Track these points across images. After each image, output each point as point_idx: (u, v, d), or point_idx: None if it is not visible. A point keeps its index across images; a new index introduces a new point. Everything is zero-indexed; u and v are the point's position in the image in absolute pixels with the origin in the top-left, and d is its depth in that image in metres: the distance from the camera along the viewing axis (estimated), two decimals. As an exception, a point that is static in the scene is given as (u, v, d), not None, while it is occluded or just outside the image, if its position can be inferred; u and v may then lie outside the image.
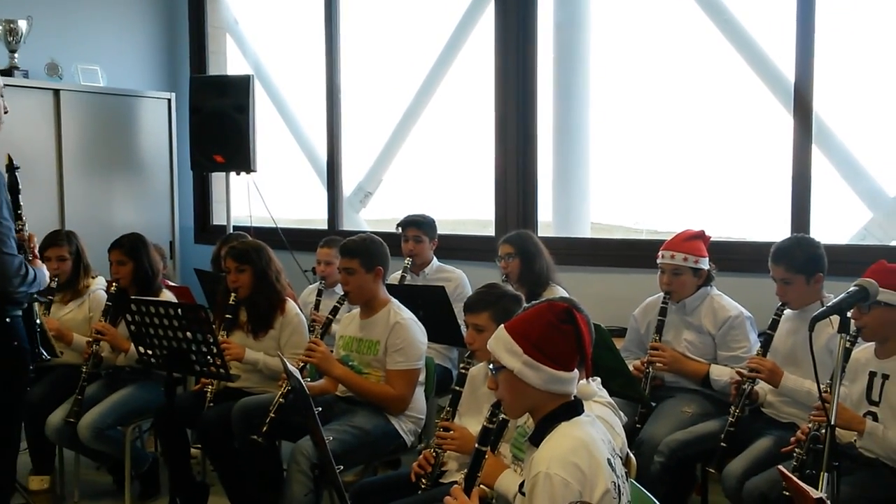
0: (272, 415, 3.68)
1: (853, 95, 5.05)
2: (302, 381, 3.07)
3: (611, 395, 2.90)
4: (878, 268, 3.07)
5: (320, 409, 3.13)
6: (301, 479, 3.42)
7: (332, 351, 3.99)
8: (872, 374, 3.18)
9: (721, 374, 3.79)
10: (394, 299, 3.90)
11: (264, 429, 3.65)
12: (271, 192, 6.79)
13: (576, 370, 2.22)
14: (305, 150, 7.22)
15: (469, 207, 6.68)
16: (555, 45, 5.85)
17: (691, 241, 3.96)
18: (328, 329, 3.96)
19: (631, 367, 3.89)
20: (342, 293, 3.96)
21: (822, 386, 2.79)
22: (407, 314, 3.84)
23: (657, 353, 3.91)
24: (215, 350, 3.55)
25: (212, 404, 4.09)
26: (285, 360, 3.28)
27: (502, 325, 2.27)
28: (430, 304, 4.33)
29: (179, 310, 3.56)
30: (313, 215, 7.19)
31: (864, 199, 5.04)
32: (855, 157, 5.01)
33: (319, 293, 4.99)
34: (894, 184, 4.93)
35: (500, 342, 2.23)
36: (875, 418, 3.14)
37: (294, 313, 4.23)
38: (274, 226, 6.64)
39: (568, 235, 5.80)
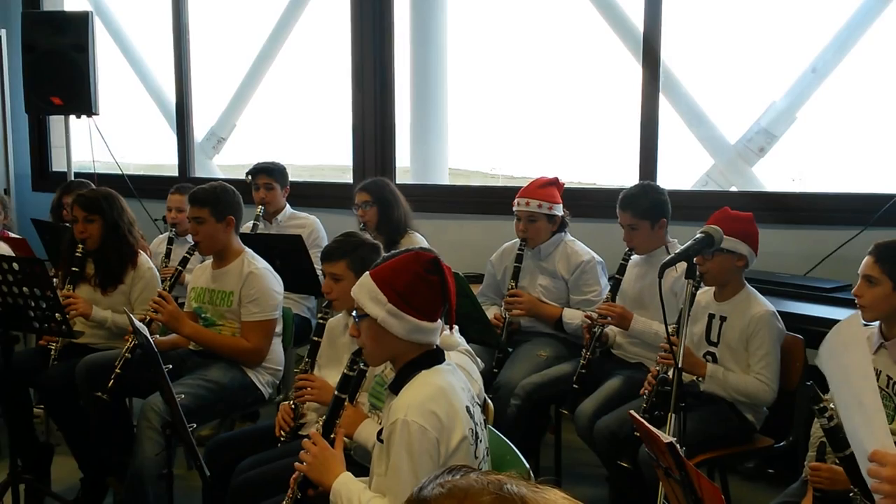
0: (118, 371, 3.51)
1: (698, 46, 5.23)
2: (149, 337, 2.94)
3: (468, 342, 2.93)
4: (721, 215, 3.20)
5: (170, 366, 3.02)
6: (152, 436, 3.30)
7: (182, 304, 3.85)
8: (711, 316, 3.34)
9: (573, 317, 3.90)
10: (247, 249, 3.78)
11: (110, 384, 3.49)
12: (116, 137, 6.42)
13: (439, 320, 2.22)
14: (153, 93, 6.87)
15: (327, 153, 6.57)
16: (412, -11, 5.77)
17: (546, 187, 4.01)
18: (178, 280, 3.81)
19: (490, 315, 3.95)
20: (193, 242, 3.81)
21: (668, 328, 2.90)
22: (261, 263, 3.74)
23: (514, 300, 3.97)
24: (56, 306, 3.35)
25: (56, 362, 3.88)
26: (131, 315, 3.13)
27: (367, 273, 2.24)
28: (286, 253, 4.24)
29: (15, 264, 3.32)
30: (163, 161, 6.88)
31: (706, 146, 5.26)
32: (699, 105, 5.21)
33: (170, 242, 4.80)
34: (735, 132, 5.17)
35: (365, 290, 2.20)
36: (714, 358, 3.31)
37: (146, 267, 4.04)
38: (120, 172, 6.31)
39: (426, 182, 5.79)
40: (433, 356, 2.22)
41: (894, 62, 4.55)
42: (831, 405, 1.96)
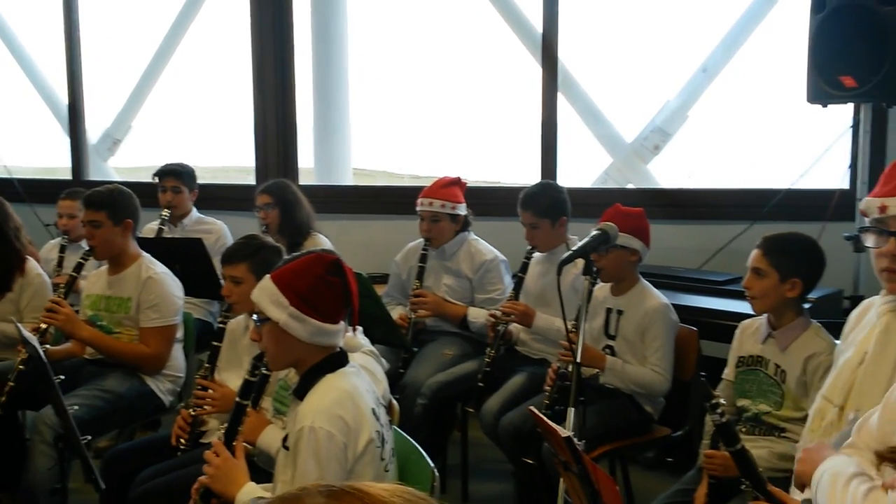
0: (12, 384, 3.37)
1: (595, 46, 5.35)
2: (39, 347, 2.84)
3: (373, 343, 2.93)
4: (614, 212, 3.27)
5: (62, 377, 2.92)
6: (44, 450, 3.18)
7: (77, 311, 3.73)
8: (609, 311, 3.43)
9: (478, 316, 3.94)
10: (145, 253, 3.69)
11: (3, 399, 3.35)
12: (3, 139, 6.18)
13: (342, 323, 2.21)
14: (43, 93, 6.62)
15: (230, 155, 6.45)
16: (311, -13, 5.72)
17: (448, 187, 4.04)
18: (73, 287, 3.69)
19: (396, 315, 3.96)
20: (88, 248, 3.69)
21: (568, 325, 2.96)
22: (160, 268, 3.65)
23: (419, 300, 3.99)
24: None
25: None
26: (20, 326, 3.02)
27: (268, 276, 2.21)
28: (186, 257, 4.15)
29: None
30: (56, 164, 6.63)
31: (604, 144, 5.39)
32: (596, 105, 5.33)
33: (62, 249, 4.63)
34: (631, 130, 5.31)
35: (266, 293, 2.17)
36: (612, 351, 3.40)
37: (35, 273, 3.88)
38: (8, 176, 6.06)
39: (330, 183, 5.75)
40: (337, 359, 2.21)
41: (779, 62, 4.74)
42: (722, 401, 2.04)
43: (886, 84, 3.65)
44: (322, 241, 4.41)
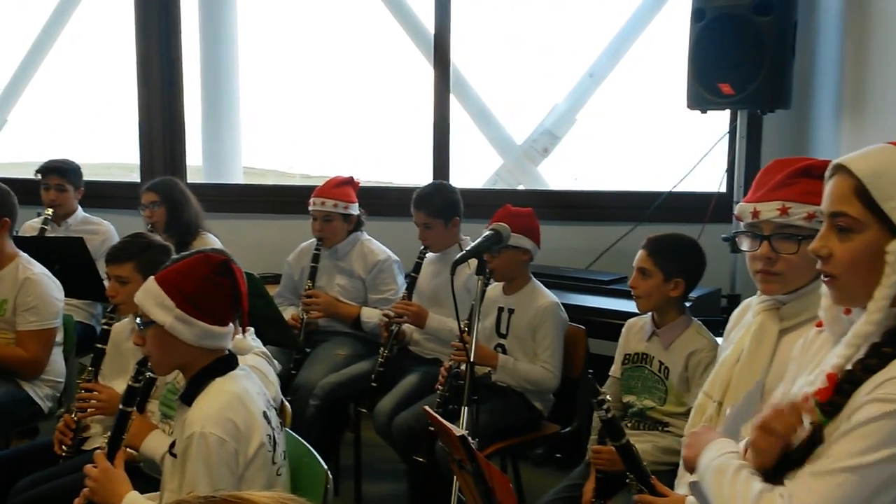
0: None
1: (487, 49, 5.43)
2: None
3: (265, 344, 2.89)
4: (504, 212, 3.33)
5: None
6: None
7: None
8: (500, 309, 3.49)
9: (371, 316, 3.93)
10: (22, 253, 3.53)
11: None
12: None
13: (231, 324, 2.17)
14: None
15: (113, 151, 6.23)
16: (199, -20, 5.59)
17: (341, 187, 4.03)
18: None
19: (288, 316, 3.92)
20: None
21: (461, 325, 3.00)
22: (38, 268, 3.50)
23: (312, 300, 3.96)
24: None
25: None
26: None
27: (152, 278, 2.15)
28: (66, 257, 3.99)
29: None
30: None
31: (496, 146, 5.47)
32: (487, 107, 5.40)
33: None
34: (521, 132, 5.41)
35: (150, 295, 2.11)
36: (504, 349, 3.45)
37: None
38: None
39: (220, 181, 5.63)
40: (226, 362, 2.17)
41: (662, 68, 4.91)
42: (608, 397, 2.10)
43: (762, 92, 3.83)
44: (211, 240, 4.32)
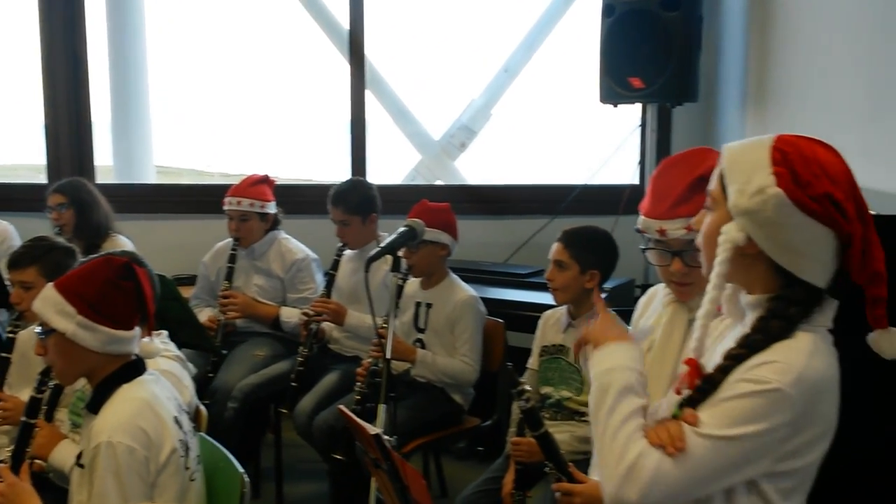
0: None
1: (403, 45, 5.42)
2: None
3: (180, 347, 2.83)
4: (421, 208, 3.34)
5: None
6: None
7: None
8: (419, 304, 3.50)
9: (290, 315, 3.90)
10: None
11: None
12: None
13: (137, 328, 2.12)
14: None
15: (19, 152, 6.02)
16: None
17: (257, 185, 3.98)
18: None
19: (204, 317, 3.85)
20: None
21: (379, 321, 2.99)
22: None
23: (229, 301, 3.90)
24: None
25: None
26: None
27: (50, 284, 2.07)
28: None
29: None
30: None
31: (413, 142, 5.48)
32: (404, 103, 5.40)
33: None
34: (439, 128, 5.42)
35: (49, 302, 2.04)
36: (422, 344, 3.46)
37: None
38: None
39: (131, 181, 5.49)
40: (133, 367, 2.11)
41: (574, 63, 4.98)
42: (527, 387, 2.11)
43: (670, 85, 3.92)
44: (122, 242, 4.20)
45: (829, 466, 1.60)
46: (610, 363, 1.63)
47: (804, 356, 1.48)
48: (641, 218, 2.14)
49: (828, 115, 3.37)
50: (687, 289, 2.12)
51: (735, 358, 1.51)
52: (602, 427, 1.55)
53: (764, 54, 3.97)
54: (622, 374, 1.60)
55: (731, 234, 1.51)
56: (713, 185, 1.60)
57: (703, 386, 1.52)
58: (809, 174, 1.47)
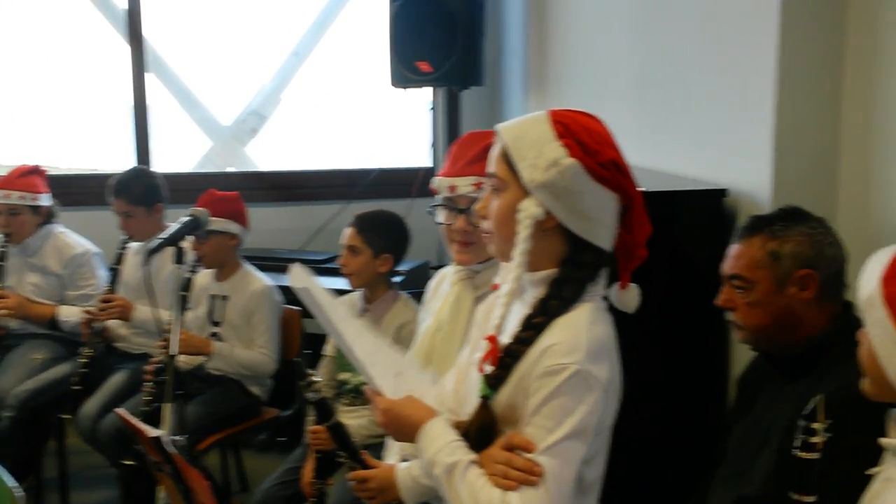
0: None
1: (187, 29, 5.20)
2: None
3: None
4: (209, 197, 3.23)
5: None
6: None
7: None
8: (213, 297, 3.39)
9: (70, 314, 3.67)
10: None
11: None
12: None
13: None
14: None
15: None
16: None
17: (26, 177, 3.72)
18: None
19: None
20: None
21: (167, 316, 2.86)
22: None
23: (0, 302, 3.62)
24: None
25: None
26: None
27: None
28: None
29: None
30: None
31: (202, 128, 5.29)
32: (190, 88, 5.19)
33: None
34: (228, 114, 5.26)
35: None
36: (218, 337, 3.36)
37: None
38: None
39: None
40: None
41: (366, 46, 4.96)
42: (317, 378, 2.09)
43: (457, 69, 4.00)
44: None
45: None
46: (432, 449, 1.59)
47: (584, 328, 1.53)
48: (436, 178, 2.19)
49: (601, 97, 3.56)
50: (468, 249, 2.16)
51: (534, 328, 1.54)
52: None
53: (543, 39, 4.13)
54: (445, 453, 1.56)
55: (529, 209, 1.54)
56: (496, 167, 1.61)
57: (504, 359, 1.55)
58: (594, 143, 1.54)
